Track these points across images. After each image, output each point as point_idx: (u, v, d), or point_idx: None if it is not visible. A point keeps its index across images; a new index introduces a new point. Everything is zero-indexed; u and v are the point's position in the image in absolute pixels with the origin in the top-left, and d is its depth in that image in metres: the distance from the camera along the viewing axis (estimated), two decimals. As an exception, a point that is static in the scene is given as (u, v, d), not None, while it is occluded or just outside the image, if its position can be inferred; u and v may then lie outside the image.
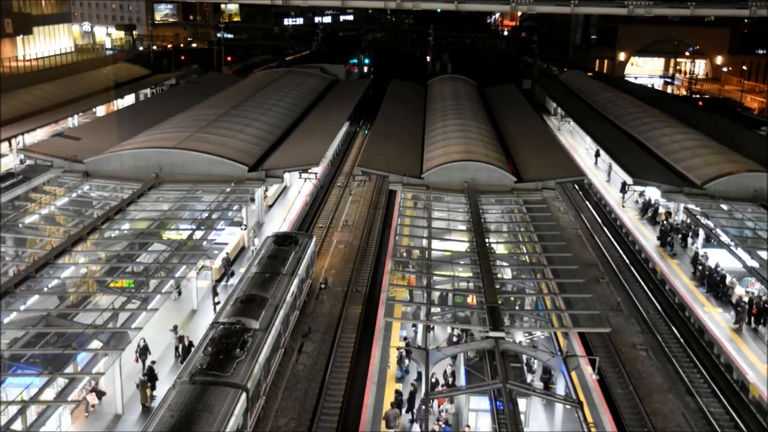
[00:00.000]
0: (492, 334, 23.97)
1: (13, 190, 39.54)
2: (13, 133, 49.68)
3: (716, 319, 32.12)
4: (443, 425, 23.11)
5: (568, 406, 22.84)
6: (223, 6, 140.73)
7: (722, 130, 54.00)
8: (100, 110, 66.09)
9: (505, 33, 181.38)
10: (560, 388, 23.68)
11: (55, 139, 47.91)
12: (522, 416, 21.46)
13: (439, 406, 24.03)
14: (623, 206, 47.84)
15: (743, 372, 28.12)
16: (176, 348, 27.93)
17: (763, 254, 32.78)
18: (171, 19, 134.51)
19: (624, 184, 47.47)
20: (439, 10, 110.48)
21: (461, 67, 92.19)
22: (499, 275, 29.58)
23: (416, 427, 23.98)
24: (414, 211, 38.06)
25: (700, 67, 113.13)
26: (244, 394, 21.51)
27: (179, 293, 32.31)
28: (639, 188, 45.44)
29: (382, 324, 30.46)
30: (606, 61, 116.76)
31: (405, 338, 29.10)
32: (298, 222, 44.79)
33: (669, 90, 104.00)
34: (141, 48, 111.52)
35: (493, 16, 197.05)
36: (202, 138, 42.62)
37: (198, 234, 32.83)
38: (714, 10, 70.35)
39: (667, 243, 40.34)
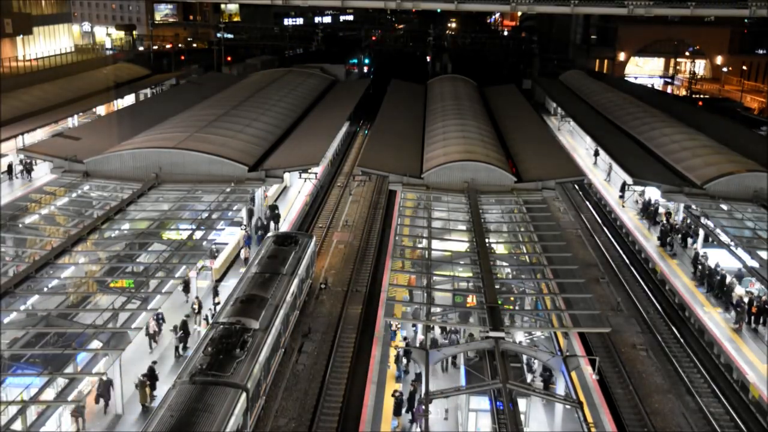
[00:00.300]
0: (492, 334, 23.99)
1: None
2: (13, 133, 49.66)
3: (716, 319, 32.13)
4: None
5: (568, 406, 22.85)
6: (223, 6, 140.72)
7: (722, 130, 53.99)
8: (100, 110, 66.08)
9: (505, 33, 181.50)
10: (560, 388, 23.69)
11: (55, 139, 47.91)
12: (522, 416, 21.46)
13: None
14: (623, 206, 47.85)
15: (743, 372, 28.13)
16: (176, 348, 27.96)
17: (763, 254, 32.78)
18: (171, 19, 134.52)
19: (624, 184, 47.49)
20: (439, 10, 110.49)
21: (461, 67, 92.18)
22: (499, 275, 29.59)
23: (416, 428, 23.97)
24: (414, 211, 38.10)
25: (700, 67, 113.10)
26: (244, 394, 21.51)
27: (187, 291, 32.27)
28: (639, 188, 45.46)
29: (382, 324, 30.47)
30: (606, 61, 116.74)
31: (405, 338, 29.12)
32: (298, 222, 44.81)
33: (669, 90, 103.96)
34: (141, 48, 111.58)
35: (493, 16, 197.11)
36: (202, 138, 42.63)
37: (198, 234, 32.84)
38: (714, 10, 70.30)
39: (667, 243, 40.35)
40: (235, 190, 38.63)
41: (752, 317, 31.36)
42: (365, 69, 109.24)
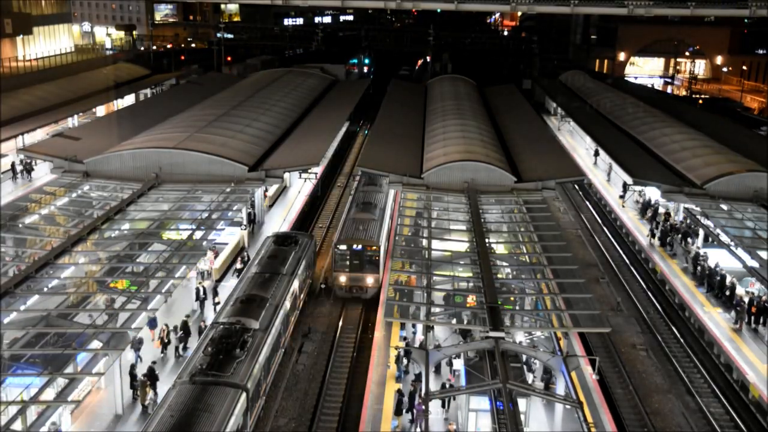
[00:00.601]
0: (492, 334, 23.99)
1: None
2: (13, 133, 49.66)
3: (716, 319, 32.12)
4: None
5: (568, 406, 22.84)
6: (223, 6, 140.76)
7: (722, 130, 54.00)
8: (100, 110, 66.06)
9: (505, 33, 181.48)
10: (560, 388, 23.67)
11: (55, 139, 47.88)
12: (522, 416, 21.46)
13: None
14: (623, 206, 47.85)
15: (743, 372, 28.12)
16: (176, 348, 27.95)
17: (763, 254, 32.77)
18: (171, 19, 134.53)
19: (625, 184, 47.49)
20: (439, 10, 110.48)
21: (461, 67, 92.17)
22: (499, 275, 29.58)
23: (415, 427, 23.95)
24: (414, 211, 38.09)
25: (700, 67, 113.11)
26: (244, 394, 21.51)
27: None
28: (639, 188, 45.47)
29: (382, 324, 30.46)
30: (606, 61, 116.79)
31: (404, 338, 29.12)
32: (298, 222, 44.79)
33: (669, 90, 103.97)
34: (141, 48, 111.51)
35: (493, 16, 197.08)
36: (202, 138, 42.63)
37: (198, 234, 32.83)
38: (714, 10, 70.30)
39: (667, 243, 40.35)
40: (235, 190, 38.62)
41: (752, 317, 31.36)
42: (365, 69, 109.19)
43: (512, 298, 29.15)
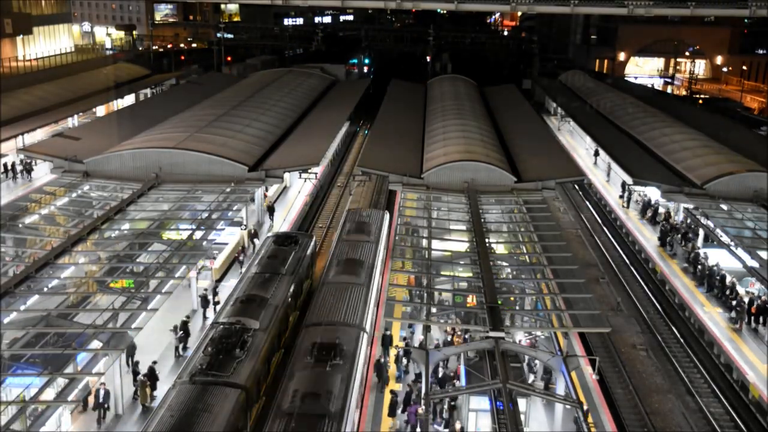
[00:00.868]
0: (492, 334, 23.98)
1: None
2: (13, 133, 49.66)
3: (716, 319, 32.12)
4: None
5: (568, 406, 22.84)
6: (223, 6, 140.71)
7: (722, 130, 54.00)
8: (100, 110, 66.08)
9: (505, 33, 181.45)
10: (560, 388, 23.67)
11: (55, 139, 47.91)
12: (522, 416, 21.46)
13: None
14: (623, 206, 47.84)
15: (743, 372, 28.12)
16: (176, 348, 27.94)
17: (763, 254, 32.78)
18: (171, 19, 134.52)
19: (624, 184, 47.49)
20: (439, 10, 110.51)
21: (461, 67, 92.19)
22: (499, 275, 29.58)
23: (409, 428, 23.80)
24: (414, 211, 38.09)
25: (700, 67, 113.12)
26: (244, 394, 21.51)
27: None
28: (639, 188, 45.46)
29: (382, 324, 30.44)
30: (606, 61, 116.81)
31: (404, 338, 29.09)
32: (299, 222, 44.79)
33: (669, 90, 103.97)
34: (141, 48, 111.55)
35: (493, 16, 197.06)
36: (202, 138, 42.64)
37: (198, 234, 32.84)
38: (714, 10, 70.32)
39: (667, 243, 40.33)
40: (235, 190, 38.64)
41: (752, 317, 31.36)
42: (365, 69, 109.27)
43: (512, 298, 29.16)
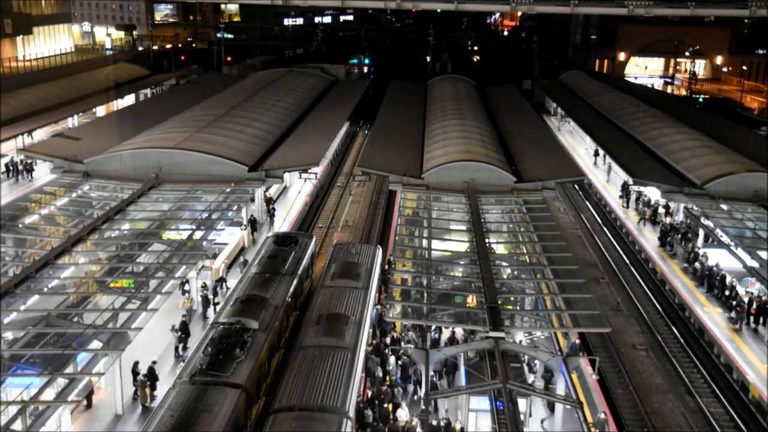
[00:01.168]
0: (492, 334, 23.97)
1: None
2: (13, 133, 49.66)
3: (716, 319, 32.12)
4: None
5: (568, 406, 22.84)
6: (223, 6, 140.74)
7: (722, 130, 54.01)
8: (100, 110, 66.09)
9: (505, 33, 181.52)
10: (560, 388, 23.68)
11: (55, 139, 47.91)
12: (522, 416, 21.46)
13: None
14: (624, 206, 47.84)
15: (743, 372, 28.13)
16: (176, 348, 27.94)
17: (763, 254, 32.77)
18: (171, 19, 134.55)
19: (625, 184, 47.48)
20: (439, 10, 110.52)
21: (461, 67, 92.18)
22: (499, 275, 29.58)
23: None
24: (414, 211, 38.09)
25: (700, 67, 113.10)
26: (243, 394, 21.51)
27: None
28: (639, 188, 45.45)
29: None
30: (606, 61, 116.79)
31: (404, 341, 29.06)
32: (299, 222, 44.79)
33: (669, 90, 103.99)
34: (141, 48, 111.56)
35: (493, 16, 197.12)
36: (202, 138, 42.63)
37: (198, 234, 32.83)
38: (714, 10, 70.37)
39: (667, 243, 40.34)
40: (235, 190, 38.63)
41: (752, 317, 31.36)
42: (365, 69, 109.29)
43: (512, 298, 29.14)
